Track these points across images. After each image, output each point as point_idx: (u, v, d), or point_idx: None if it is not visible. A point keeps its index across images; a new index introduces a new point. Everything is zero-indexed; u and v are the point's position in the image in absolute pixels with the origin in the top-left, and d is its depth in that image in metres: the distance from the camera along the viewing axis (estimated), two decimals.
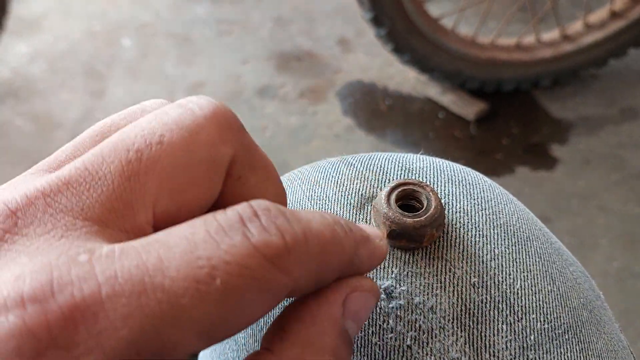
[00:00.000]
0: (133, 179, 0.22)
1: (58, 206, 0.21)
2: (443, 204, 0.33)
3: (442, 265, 0.31)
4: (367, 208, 0.34)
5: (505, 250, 0.32)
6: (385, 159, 0.37)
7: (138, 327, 0.18)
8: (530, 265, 0.32)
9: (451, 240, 0.32)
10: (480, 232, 0.33)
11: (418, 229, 0.31)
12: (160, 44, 2.03)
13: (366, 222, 0.34)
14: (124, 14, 2.14)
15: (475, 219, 0.33)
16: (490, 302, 0.30)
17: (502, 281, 0.31)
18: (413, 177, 0.35)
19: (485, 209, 0.34)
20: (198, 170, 0.23)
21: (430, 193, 0.32)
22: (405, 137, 1.73)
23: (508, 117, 1.77)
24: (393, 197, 0.32)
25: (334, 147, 1.68)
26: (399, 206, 0.32)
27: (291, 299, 0.25)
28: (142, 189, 0.22)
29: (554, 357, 0.30)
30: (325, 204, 0.35)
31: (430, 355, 0.29)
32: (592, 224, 1.51)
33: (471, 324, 0.30)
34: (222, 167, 0.24)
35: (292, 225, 0.21)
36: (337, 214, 0.34)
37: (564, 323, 0.31)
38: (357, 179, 0.36)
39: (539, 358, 0.30)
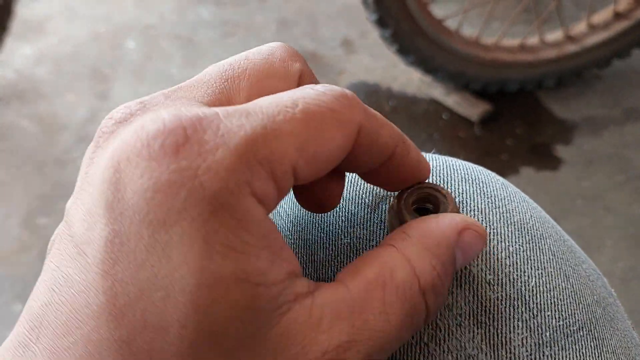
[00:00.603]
0: (230, 80, 0.28)
1: (175, 96, 0.27)
2: (458, 206, 0.33)
3: None
4: (382, 207, 0.34)
5: (520, 248, 0.33)
6: None
7: (250, 133, 0.23)
8: (544, 263, 0.33)
9: None
10: (495, 230, 0.33)
11: None
12: (164, 46, 2.03)
13: (380, 221, 0.34)
14: (129, 16, 2.14)
15: (489, 217, 0.33)
16: (506, 299, 0.31)
17: (517, 278, 0.31)
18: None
19: (498, 207, 0.34)
20: (277, 78, 0.29)
21: (446, 196, 0.32)
22: (410, 138, 1.71)
23: (512, 117, 1.77)
24: (409, 199, 0.32)
25: None
26: (414, 209, 0.32)
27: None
28: (237, 87, 0.28)
29: (569, 354, 0.30)
30: (340, 202, 0.35)
31: (448, 352, 0.29)
32: (597, 225, 1.51)
33: (487, 321, 0.30)
34: (294, 76, 0.30)
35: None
36: (351, 214, 0.34)
37: (578, 320, 0.32)
38: None
39: (555, 354, 0.30)
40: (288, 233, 0.36)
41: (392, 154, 0.28)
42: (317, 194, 0.31)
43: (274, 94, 0.27)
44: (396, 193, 0.32)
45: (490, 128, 1.74)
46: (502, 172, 1.62)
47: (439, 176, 0.36)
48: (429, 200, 0.32)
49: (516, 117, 1.77)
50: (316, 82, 0.31)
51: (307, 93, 0.25)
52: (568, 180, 1.61)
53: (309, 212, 0.36)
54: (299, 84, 0.30)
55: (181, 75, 1.91)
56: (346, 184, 0.36)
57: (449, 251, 0.27)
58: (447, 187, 0.35)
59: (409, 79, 1.87)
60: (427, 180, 0.34)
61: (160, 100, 0.27)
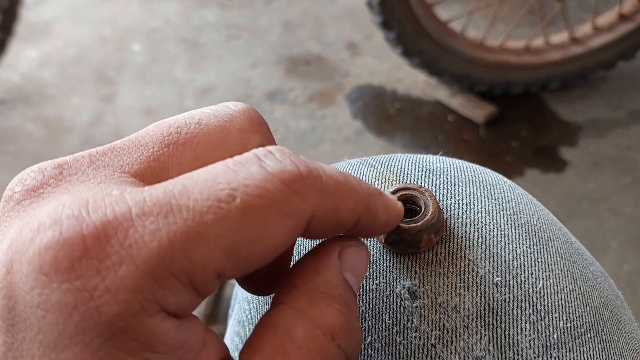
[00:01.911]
0: (172, 146, 0.25)
1: (101, 163, 0.24)
2: (441, 209, 0.33)
3: (465, 265, 0.31)
4: None
5: (527, 250, 0.32)
6: (406, 160, 0.37)
7: (166, 241, 0.20)
8: (552, 265, 0.32)
9: (474, 239, 0.32)
10: (502, 232, 0.33)
11: (414, 234, 0.31)
12: (169, 48, 2.03)
13: None
14: (134, 19, 2.15)
15: (496, 219, 0.33)
16: (513, 301, 0.31)
17: (525, 280, 0.31)
18: (434, 178, 0.36)
19: (506, 209, 0.34)
20: (231, 150, 0.25)
21: (429, 198, 0.32)
22: (415, 140, 1.73)
23: (517, 119, 1.77)
24: None
25: (343, 151, 1.68)
26: None
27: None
28: (179, 156, 0.25)
29: (576, 356, 0.30)
30: None
31: (455, 353, 0.29)
32: (602, 227, 1.51)
33: (495, 322, 0.30)
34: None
35: (305, 160, 0.23)
36: None
37: (586, 322, 0.32)
38: (378, 179, 0.36)
39: (562, 356, 0.30)
40: None
41: (354, 225, 0.26)
42: (258, 277, 0.28)
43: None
44: None
45: (495, 130, 1.74)
46: (507, 174, 1.61)
47: (446, 178, 0.36)
48: (413, 201, 0.32)
49: (521, 119, 1.77)
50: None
51: (251, 176, 0.21)
52: (573, 182, 1.61)
53: None
54: None
55: (186, 77, 1.92)
56: None
57: (339, 281, 0.25)
58: (454, 189, 0.35)
59: (414, 81, 1.87)
60: (412, 182, 0.34)
61: (81, 166, 0.24)
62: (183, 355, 0.22)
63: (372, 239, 0.33)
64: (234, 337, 0.37)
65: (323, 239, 0.27)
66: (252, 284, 0.29)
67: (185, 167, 0.24)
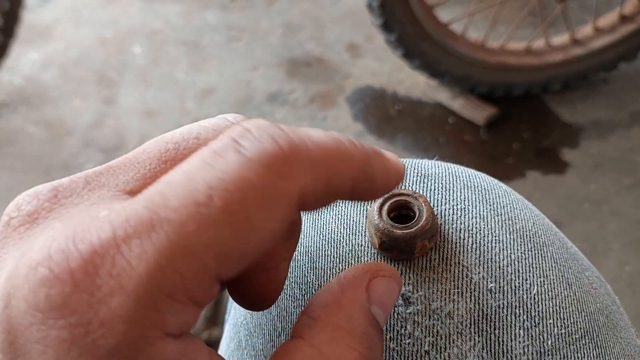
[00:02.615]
0: (169, 163, 0.24)
1: (97, 183, 0.23)
2: (436, 215, 0.33)
3: (459, 271, 0.31)
4: None
5: (522, 256, 0.32)
6: None
7: (153, 263, 0.19)
8: (546, 271, 0.32)
9: (468, 245, 0.32)
10: (497, 238, 0.33)
11: (407, 240, 0.31)
12: (170, 50, 2.04)
13: None
14: (135, 21, 2.15)
15: (491, 225, 0.33)
16: (507, 307, 0.31)
17: (519, 286, 0.31)
18: (428, 184, 0.36)
19: (501, 215, 0.34)
20: None
21: (423, 204, 0.32)
22: (416, 142, 1.73)
23: (518, 121, 1.77)
24: (386, 208, 0.32)
25: None
26: (395, 216, 0.33)
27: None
28: None
29: None
30: (341, 209, 0.35)
31: None
32: (604, 229, 1.51)
33: (488, 329, 0.30)
34: None
35: (287, 134, 0.22)
36: (353, 222, 0.34)
37: (580, 328, 0.31)
38: None
39: None
40: None
41: (352, 190, 0.24)
42: (251, 293, 0.27)
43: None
44: (374, 205, 0.33)
45: (496, 132, 1.74)
46: (508, 176, 1.62)
47: (441, 183, 0.36)
48: (407, 207, 0.33)
49: (522, 121, 1.76)
50: None
51: (227, 167, 0.20)
52: (574, 184, 1.61)
53: (311, 220, 0.36)
54: None
55: (187, 79, 1.92)
56: None
57: (364, 318, 0.24)
58: (449, 195, 0.35)
59: (414, 83, 1.87)
60: (407, 188, 0.35)
61: (77, 188, 0.23)
62: None
63: (365, 245, 0.33)
64: (229, 343, 0.37)
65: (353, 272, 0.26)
66: (245, 300, 0.28)
67: None
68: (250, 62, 1.98)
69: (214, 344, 1.19)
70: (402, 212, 0.33)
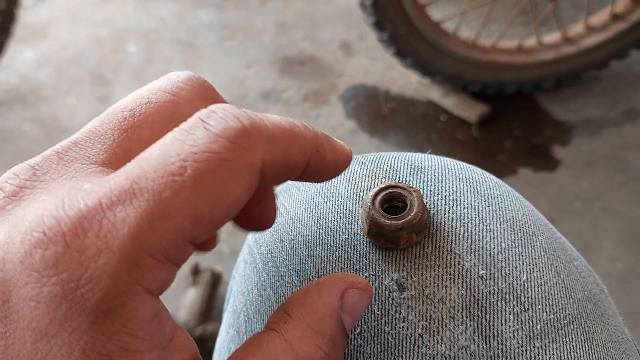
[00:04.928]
0: (130, 130, 0.26)
1: (69, 158, 0.25)
2: (429, 210, 0.34)
3: (451, 258, 0.32)
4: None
5: (512, 244, 0.33)
6: (395, 158, 0.38)
7: (135, 225, 0.22)
8: (536, 259, 0.33)
9: (459, 234, 0.33)
10: (488, 227, 0.34)
11: (394, 231, 0.32)
12: (165, 49, 2.04)
13: None
14: (130, 20, 2.15)
15: (482, 215, 0.34)
16: (497, 293, 0.31)
17: (509, 273, 0.32)
18: (421, 175, 0.36)
19: (491, 205, 0.35)
20: (182, 121, 0.26)
21: (416, 198, 0.33)
22: (408, 139, 1.73)
23: (510, 119, 1.77)
24: (380, 197, 0.33)
25: None
26: (390, 207, 0.34)
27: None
28: (138, 138, 0.26)
29: (559, 347, 0.31)
30: (338, 200, 0.36)
31: (441, 343, 0.30)
32: (595, 226, 1.51)
33: (479, 313, 0.31)
34: None
35: (248, 114, 0.24)
36: (349, 211, 0.35)
37: (568, 314, 0.32)
38: (369, 176, 0.37)
39: (545, 347, 0.31)
40: (288, 229, 0.37)
41: (305, 166, 0.27)
42: (251, 217, 0.30)
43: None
44: (369, 193, 0.34)
45: (488, 130, 1.75)
46: (500, 174, 1.62)
47: (434, 175, 0.36)
48: (401, 199, 0.34)
49: (514, 119, 1.77)
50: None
51: (197, 141, 0.23)
52: (566, 181, 1.62)
53: (309, 210, 0.37)
54: None
55: None
56: (344, 181, 0.37)
57: (334, 322, 0.27)
58: (441, 186, 0.36)
59: (407, 81, 1.88)
60: (402, 179, 0.36)
61: (52, 164, 0.25)
62: (157, 343, 0.23)
63: (360, 233, 0.34)
64: (228, 329, 0.38)
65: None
66: (251, 227, 0.31)
67: (145, 146, 0.25)
68: (244, 61, 1.99)
69: (207, 339, 1.19)
70: (395, 203, 0.34)
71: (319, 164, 0.28)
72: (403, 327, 0.31)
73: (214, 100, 0.29)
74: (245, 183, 0.23)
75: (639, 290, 1.38)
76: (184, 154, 0.23)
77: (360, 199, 0.36)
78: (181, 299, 1.31)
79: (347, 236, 0.34)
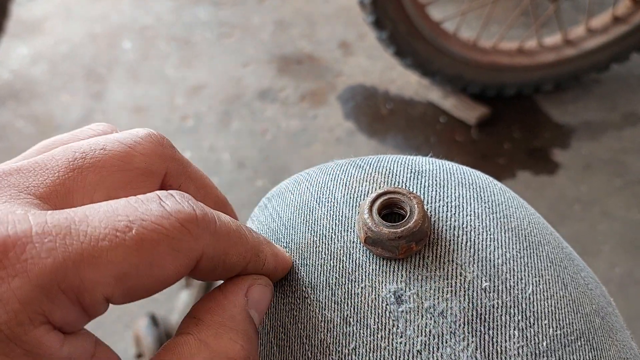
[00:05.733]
0: (77, 171, 0.26)
1: (7, 183, 0.25)
2: (429, 218, 0.32)
3: (452, 269, 0.31)
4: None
5: (517, 255, 0.32)
6: (394, 162, 0.37)
7: (61, 259, 0.21)
8: (542, 270, 0.32)
9: (462, 243, 0.32)
10: (492, 236, 0.32)
11: (392, 240, 0.30)
12: (160, 46, 2.03)
13: None
14: (125, 16, 2.14)
15: (486, 222, 0.33)
16: (501, 307, 0.30)
17: (514, 286, 0.31)
18: (422, 180, 0.35)
19: (496, 212, 0.34)
20: (134, 174, 0.28)
21: (416, 205, 0.31)
22: (407, 141, 1.73)
23: (510, 121, 1.77)
24: (378, 203, 0.32)
25: (334, 151, 1.68)
26: (388, 214, 0.32)
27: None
28: (84, 180, 0.26)
29: None
30: (334, 205, 0.35)
31: None
32: (594, 230, 1.51)
33: (482, 329, 0.29)
34: (156, 175, 0.29)
35: (202, 206, 0.25)
36: (345, 217, 0.34)
37: (576, 329, 0.31)
38: (366, 181, 0.35)
39: None
40: (280, 235, 0.35)
41: (243, 270, 0.28)
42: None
43: (124, 192, 0.27)
44: (367, 198, 0.32)
45: (487, 132, 1.74)
46: (499, 176, 1.62)
47: (435, 180, 0.35)
48: (399, 206, 0.32)
49: (514, 121, 1.77)
50: (191, 177, 0.31)
51: (149, 212, 0.24)
52: (565, 184, 1.61)
53: (302, 215, 0.35)
54: (163, 184, 0.30)
55: (177, 75, 1.91)
56: (341, 186, 0.36)
57: (244, 318, 0.28)
58: (443, 192, 0.34)
59: (406, 82, 1.87)
60: (401, 184, 0.34)
61: None
62: None
63: (356, 241, 0.32)
64: None
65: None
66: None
67: (89, 190, 0.26)
68: (241, 59, 1.98)
69: None
70: (394, 210, 0.32)
71: (258, 269, 0.29)
72: (400, 342, 0.29)
73: (171, 158, 0.30)
74: (179, 265, 0.24)
75: (638, 295, 1.38)
76: (133, 217, 0.23)
77: (357, 204, 0.34)
78: (175, 302, 1.29)
79: (342, 244, 0.33)
